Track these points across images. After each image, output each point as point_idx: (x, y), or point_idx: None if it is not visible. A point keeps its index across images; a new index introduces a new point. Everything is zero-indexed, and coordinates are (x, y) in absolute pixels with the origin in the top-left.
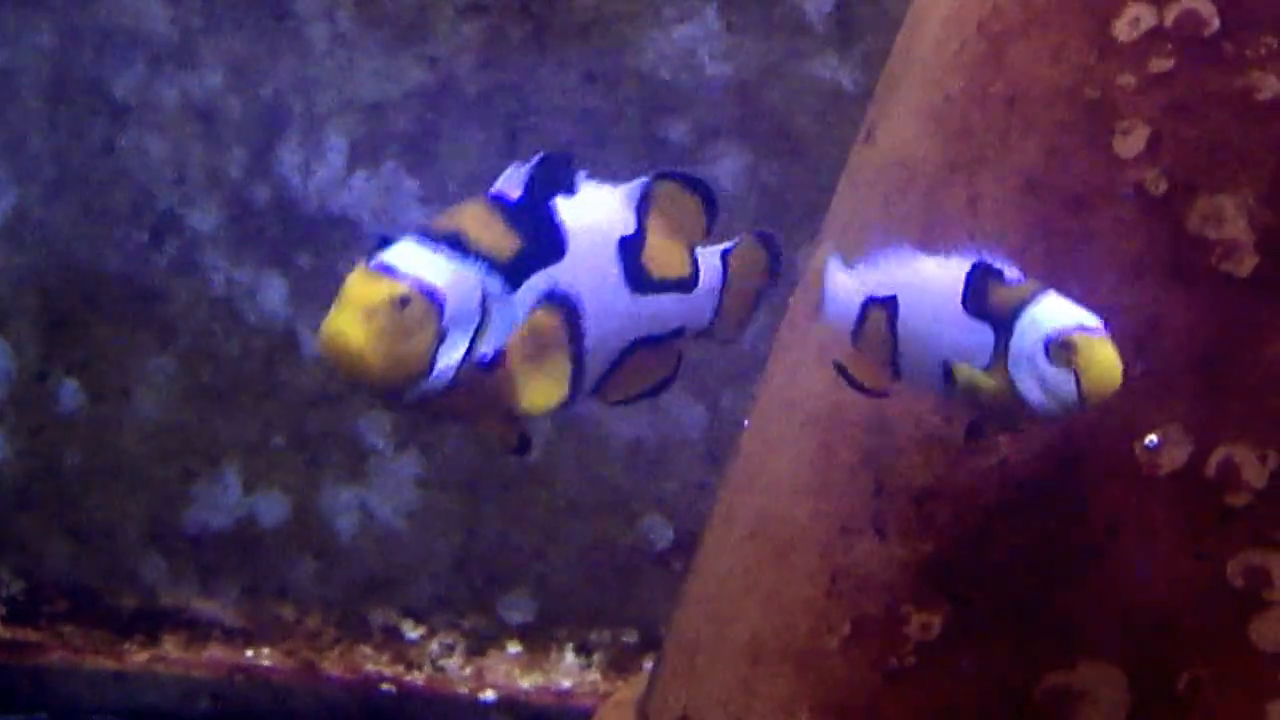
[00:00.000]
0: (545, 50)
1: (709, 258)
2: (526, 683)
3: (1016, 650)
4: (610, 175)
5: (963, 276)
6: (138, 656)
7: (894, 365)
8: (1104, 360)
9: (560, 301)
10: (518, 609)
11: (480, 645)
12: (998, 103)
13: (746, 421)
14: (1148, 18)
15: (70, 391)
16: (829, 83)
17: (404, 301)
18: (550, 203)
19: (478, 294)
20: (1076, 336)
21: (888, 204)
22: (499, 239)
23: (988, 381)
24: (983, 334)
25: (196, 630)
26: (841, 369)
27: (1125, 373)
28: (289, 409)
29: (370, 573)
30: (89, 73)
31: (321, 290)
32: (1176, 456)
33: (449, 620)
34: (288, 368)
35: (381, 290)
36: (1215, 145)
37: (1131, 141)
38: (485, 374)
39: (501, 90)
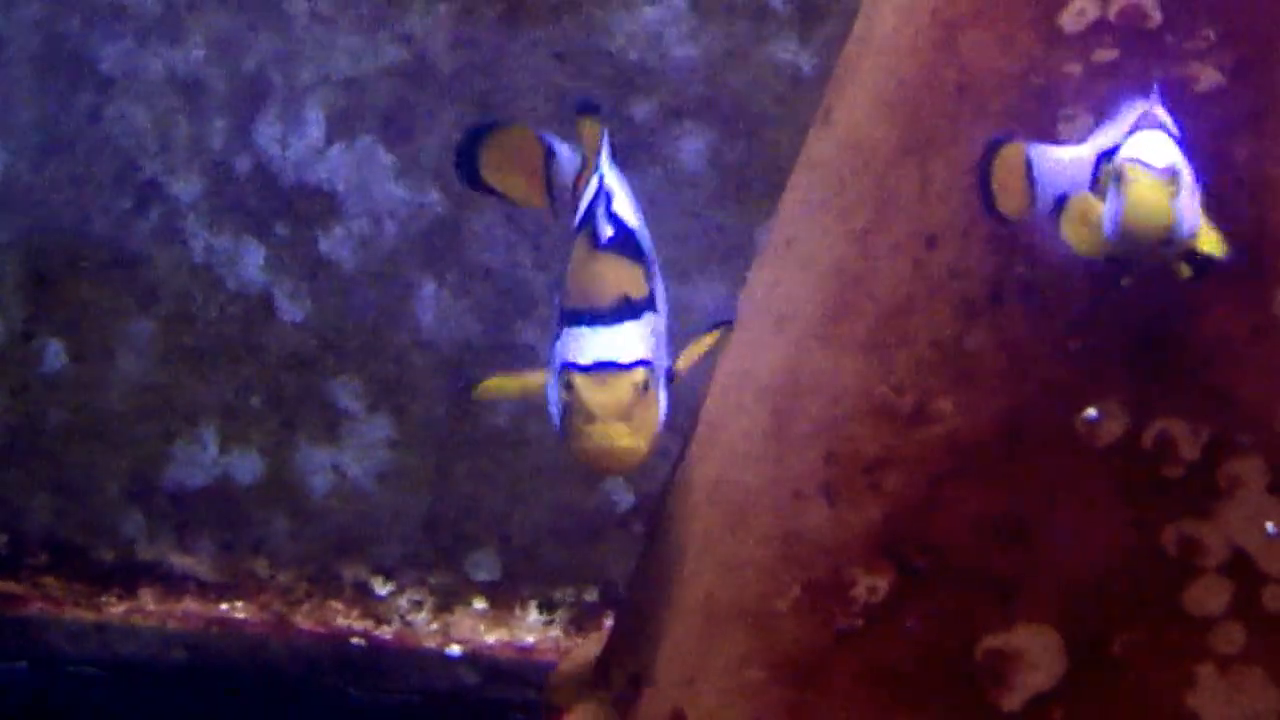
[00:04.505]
0: (517, 30)
1: None
2: (491, 638)
3: (958, 613)
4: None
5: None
6: (116, 609)
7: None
8: (1145, 193)
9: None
10: (484, 567)
11: (447, 601)
12: (949, 89)
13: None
14: (1092, 10)
15: (54, 352)
16: (790, 66)
17: (645, 387)
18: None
19: (659, 336)
20: (1130, 166)
21: (842, 184)
22: (638, 281)
23: (1095, 205)
24: None
25: (173, 584)
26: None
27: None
28: (265, 371)
29: (342, 531)
30: (77, 44)
31: (297, 258)
32: (1114, 429)
33: (417, 577)
34: (264, 332)
35: (625, 389)
36: None
37: (1076, 129)
38: None
39: (474, 68)
